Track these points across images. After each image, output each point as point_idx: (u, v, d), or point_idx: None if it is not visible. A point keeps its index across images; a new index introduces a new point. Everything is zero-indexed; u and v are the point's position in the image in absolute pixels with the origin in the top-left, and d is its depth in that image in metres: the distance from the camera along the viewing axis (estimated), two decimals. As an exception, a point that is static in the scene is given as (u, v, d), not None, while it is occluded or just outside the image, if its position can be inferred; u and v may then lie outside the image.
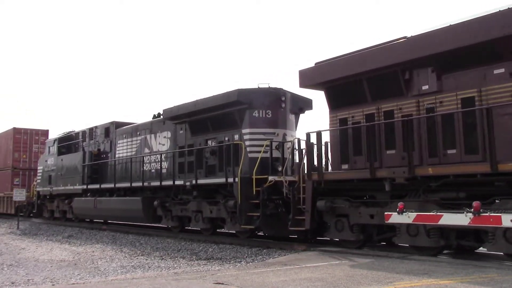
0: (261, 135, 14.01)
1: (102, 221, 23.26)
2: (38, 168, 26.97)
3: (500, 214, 8.04)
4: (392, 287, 6.48)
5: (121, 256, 11.94)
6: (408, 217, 9.27)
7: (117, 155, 20.17)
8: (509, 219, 7.86)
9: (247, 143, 13.91)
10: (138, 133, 19.10)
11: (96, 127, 22.32)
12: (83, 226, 22.29)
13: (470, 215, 8.30)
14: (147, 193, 17.77)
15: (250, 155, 13.76)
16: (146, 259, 11.28)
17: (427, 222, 9.13)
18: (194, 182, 15.09)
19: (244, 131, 14.18)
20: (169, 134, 17.33)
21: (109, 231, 19.27)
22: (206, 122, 15.47)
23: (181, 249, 13.29)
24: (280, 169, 13.54)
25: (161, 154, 17.19)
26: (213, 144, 15.20)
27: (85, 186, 21.25)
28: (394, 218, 9.52)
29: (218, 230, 16.03)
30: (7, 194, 30.34)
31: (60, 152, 24.35)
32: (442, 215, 8.79)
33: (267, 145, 13.48)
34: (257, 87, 14.22)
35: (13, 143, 30.96)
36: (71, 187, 22.48)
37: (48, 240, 16.99)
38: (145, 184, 17.42)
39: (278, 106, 14.28)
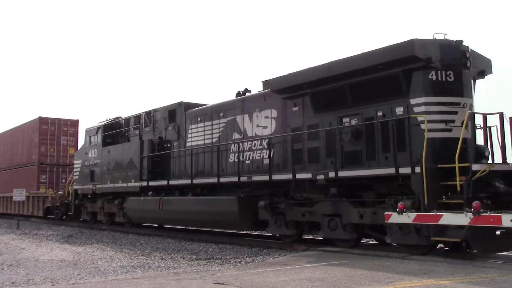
0: (442, 106, 9.83)
1: (157, 225, 19.24)
2: (75, 162, 22.61)
3: (500, 214, 7.79)
4: (392, 287, 6.48)
5: (121, 256, 11.84)
6: (408, 217, 8.89)
7: (188, 144, 15.90)
8: (509, 219, 7.64)
9: (422, 118, 9.71)
10: (221, 115, 14.85)
11: (155, 110, 18.00)
12: (83, 226, 20.92)
13: (470, 215, 8.04)
14: (246, 191, 13.50)
15: (428, 134, 9.57)
16: (146, 259, 11.18)
17: (427, 222, 8.74)
18: (332, 174, 10.88)
19: (414, 101, 9.99)
20: (274, 112, 13.12)
21: (109, 231, 18.53)
22: (344, 92, 11.24)
23: (181, 249, 13.10)
24: (487, 154, 9.43)
25: (268, 139, 12.94)
26: (355, 122, 11.01)
27: (144, 183, 16.96)
28: (394, 218, 9.11)
29: (362, 241, 12.07)
30: (33, 194, 26.40)
31: (105, 143, 20.06)
32: (442, 215, 8.46)
33: (466, 120, 9.34)
34: (432, 38, 10.03)
35: (39, 134, 26.97)
36: (123, 185, 18.16)
37: (48, 240, 16.62)
38: (243, 179, 13.20)
39: (463, 66, 10.11)
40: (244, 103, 14.18)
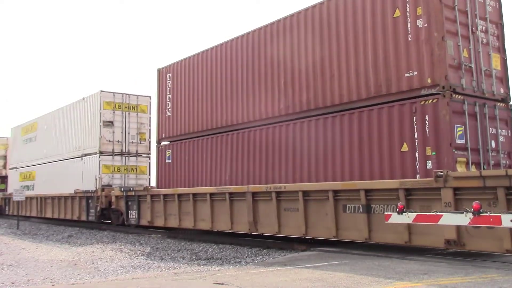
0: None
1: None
2: None
3: (499, 214, 7.81)
4: (392, 287, 6.47)
5: (121, 256, 11.85)
6: (408, 217, 8.98)
7: None
8: (509, 219, 7.64)
9: None
10: None
11: None
12: (83, 226, 20.79)
13: (470, 215, 8.05)
14: None
15: None
16: (146, 259, 11.21)
17: (427, 222, 8.89)
18: None
19: None
20: None
21: (109, 231, 18.56)
22: None
23: (181, 249, 13.05)
24: None
25: None
26: None
27: None
28: (394, 218, 9.17)
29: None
30: (352, 192, 10.60)
31: None
32: (442, 215, 8.51)
33: None
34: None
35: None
36: None
37: (48, 240, 16.63)
38: None
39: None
40: None
